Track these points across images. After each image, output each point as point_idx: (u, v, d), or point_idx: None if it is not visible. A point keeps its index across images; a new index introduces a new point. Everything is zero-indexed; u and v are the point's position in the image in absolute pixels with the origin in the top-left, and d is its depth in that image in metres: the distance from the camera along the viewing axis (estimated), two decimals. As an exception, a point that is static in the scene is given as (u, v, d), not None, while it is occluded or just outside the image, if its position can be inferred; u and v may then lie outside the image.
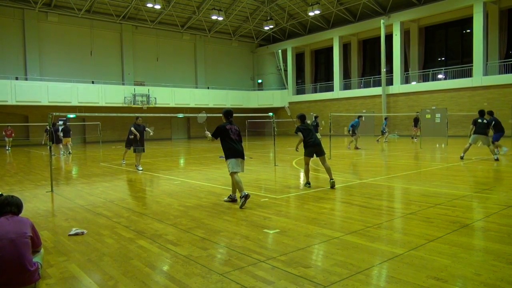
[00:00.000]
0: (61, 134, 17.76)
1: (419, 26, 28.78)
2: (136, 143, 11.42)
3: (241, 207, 5.86)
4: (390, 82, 29.34)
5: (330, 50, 33.69)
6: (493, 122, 12.06)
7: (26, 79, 27.07)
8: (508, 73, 23.80)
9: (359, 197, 6.54)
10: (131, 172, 11.04)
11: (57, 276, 3.38)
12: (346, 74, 33.55)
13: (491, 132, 12.00)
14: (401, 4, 28.34)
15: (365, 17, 30.80)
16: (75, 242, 4.36)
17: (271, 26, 33.91)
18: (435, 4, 26.13)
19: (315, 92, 35.50)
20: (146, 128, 11.75)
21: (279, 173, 10.10)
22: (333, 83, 33.13)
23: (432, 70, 27.74)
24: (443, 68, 27.50)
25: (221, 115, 6.53)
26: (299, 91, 37.15)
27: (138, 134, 11.32)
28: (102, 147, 22.18)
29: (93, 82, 29.40)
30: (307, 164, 7.72)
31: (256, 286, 3.05)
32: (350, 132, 17.29)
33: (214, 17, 31.37)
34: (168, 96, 31.88)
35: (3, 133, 22.33)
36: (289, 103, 36.61)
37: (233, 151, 6.22)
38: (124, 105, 29.58)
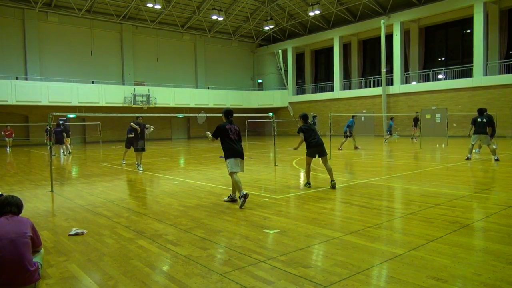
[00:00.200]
0: (65, 135, 17.80)
1: (419, 26, 28.78)
2: (136, 142, 11.40)
3: (240, 207, 5.86)
4: (390, 82, 29.34)
5: (330, 50, 33.69)
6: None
7: (26, 79, 27.07)
8: (508, 73, 23.79)
9: (359, 197, 6.54)
10: (131, 172, 11.04)
11: (57, 276, 3.39)
12: (346, 74, 33.55)
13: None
14: (401, 4, 28.34)
15: (365, 17, 30.80)
16: (75, 242, 4.36)
17: (271, 26, 33.90)
18: (435, 4, 26.13)
19: (315, 92, 35.49)
20: (146, 126, 11.70)
21: (279, 173, 10.10)
22: (333, 83, 33.13)
23: (432, 70, 27.73)
24: (443, 68, 27.50)
25: (221, 115, 6.54)
26: (299, 91, 37.16)
27: (138, 128, 11.30)
28: (102, 147, 22.19)
29: (93, 82, 29.40)
30: (308, 164, 7.70)
31: (256, 286, 3.05)
32: (348, 132, 17.02)
33: (214, 17, 31.36)
34: (168, 96, 31.88)
35: (2, 133, 22.32)
36: (289, 103, 36.56)
37: (232, 151, 6.22)
38: (124, 105, 29.58)
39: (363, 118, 30.95)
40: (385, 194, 6.96)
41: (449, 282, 3.05)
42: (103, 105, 28.84)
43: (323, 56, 36.78)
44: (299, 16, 34.11)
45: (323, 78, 36.73)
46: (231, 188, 6.52)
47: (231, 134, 6.25)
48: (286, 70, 37.29)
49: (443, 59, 28.75)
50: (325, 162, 7.61)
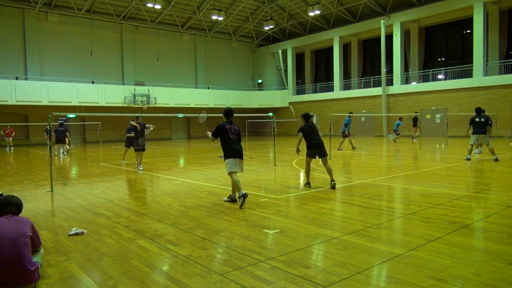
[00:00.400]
0: (68, 134, 17.78)
1: (419, 26, 28.79)
2: (136, 142, 11.40)
3: (240, 207, 5.86)
4: (390, 82, 29.34)
5: (330, 50, 33.69)
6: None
7: (26, 79, 27.07)
8: (508, 73, 23.80)
9: (359, 197, 6.54)
10: (131, 172, 11.04)
11: (57, 276, 3.38)
12: (346, 74, 33.55)
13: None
14: (401, 4, 28.34)
15: (365, 17, 30.80)
16: (75, 242, 4.36)
17: (271, 26, 33.90)
18: (435, 4, 26.13)
19: (315, 92, 35.50)
20: (146, 125, 11.70)
21: (279, 173, 10.10)
22: (333, 83, 33.13)
23: (432, 71, 27.74)
24: (443, 68, 27.50)
25: (221, 115, 6.54)
26: (299, 91, 37.16)
27: (139, 126, 11.29)
28: (102, 147, 22.19)
29: (93, 82, 29.40)
30: (308, 165, 7.70)
31: (256, 286, 3.05)
32: (346, 132, 16.96)
33: (214, 17, 31.37)
34: (168, 96, 31.88)
35: (1, 132, 22.32)
36: (289, 103, 36.56)
37: (231, 151, 6.23)
38: (124, 105, 29.59)
39: (363, 118, 30.95)
40: (385, 194, 6.96)
41: (449, 282, 3.05)
42: (103, 105, 28.84)
43: (323, 56, 36.78)
44: (299, 16, 34.11)
45: (323, 78, 36.73)
46: (231, 188, 6.52)
47: (230, 134, 6.25)
48: (286, 70, 37.30)
49: (443, 59, 28.76)
50: (325, 163, 7.61)
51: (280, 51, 37.45)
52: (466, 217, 5.11)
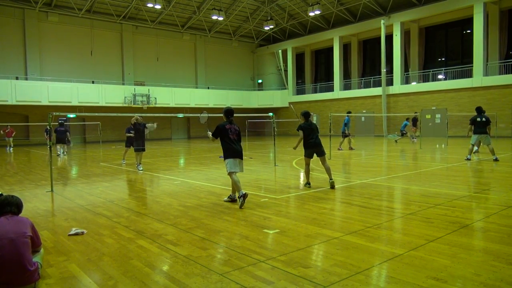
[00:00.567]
0: (68, 134, 17.81)
1: (419, 26, 28.79)
2: (136, 142, 11.38)
3: (240, 207, 5.86)
4: (390, 82, 29.34)
5: (330, 50, 33.70)
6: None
7: (26, 79, 27.08)
8: (508, 73, 23.80)
9: (359, 197, 6.54)
10: (131, 172, 11.04)
11: (57, 276, 3.39)
12: (346, 74, 33.56)
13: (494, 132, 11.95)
14: (401, 4, 28.34)
15: (365, 17, 30.81)
16: (75, 242, 4.36)
17: (271, 26, 33.91)
18: (435, 4, 26.13)
19: (315, 92, 35.50)
20: (147, 125, 11.65)
21: (279, 173, 10.10)
22: (333, 83, 33.13)
23: (432, 71, 27.74)
24: (443, 68, 27.50)
25: (221, 115, 6.53)
26: (299, 91, 37.16)
27: (140, 119, 11.25)
28: (102, 147, 22.19)
29: (93, 82, 29.41)
30: (307, 164, 7.72)
31: (256, 286, 3.05)
32: (347, 131, 16.95)
33: (214, 17, 31.37)
34: (168, 96, 31.89)
35: (1, 132, 22.31)
36: (289, 103, 36.58)
37: (231, 151, 6.23)
38: (124, 105, 29.60)
39: (363, 119, 30.96)
40: (385, 194, 6.96)
41: (449, 282, 3.05)
42: (103, 105, 28.85)
43: (323, 56, 36.78)
44: (299, 16, 34.10)
45: (323, 78, 36.74)
46: (231, 188, 6.52)
47: (230, 134, 6.25)
48: (286, 70, 37.30)
49: (443, 59, 28.76)
50: (323, 162, 7.62)
51: (280, 51, 37.45)
52: (466, 217, 5.11)
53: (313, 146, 7.51)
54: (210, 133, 6.45)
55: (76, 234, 4.65)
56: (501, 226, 4.60)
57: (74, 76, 29.05)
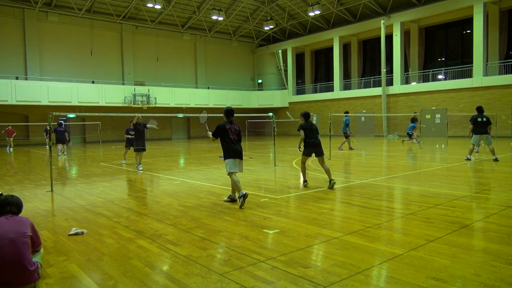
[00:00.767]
0: (67, 135, 17.82)
1: (419, 26, 28.79)
2: (137, 142, 11.37)
3: (240, 207, 5.86)
4: (390, 82, 29.34)
5: (330, 50, 33.69)
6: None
7: (26, 79, 27.08)
8: (508, 73, 23.80)
9: (358, 198, 6.54)
10: (131, 172, 11.03)
11: (57, 275, 3.39)
12: (346, 74, 33.56)
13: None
14: (401, 4, 28.34)
15: (365, 17, 30.81)
16: (75, 242, 4.36)
17: (271, 26, 33.91)
18: (435, 4, 26.14)
19: (315, 92, 35.50)
20: (147, 125, 11.63)
21: (279, 173, 10.11)
22: (333, 83, 33.13)
23: (432, 71, 27.74)
24: (443, 68, 27.50)
25: (221, 115, 6.53)
26: (299, 91, 37.16)
27: (141, 119, 11.25)
28: (102, 147, 22.19)
29: (93, 82, 29.41)
30: (303, 162, 7.75)
31: (255, 286, 3.06)
32: (348, 131, 16.94)
33: (214, 17, 31.38)
34: (168, 96, 31.89)
35: (2, 131, 22.31)
36: (289, 103, 36.64)
37: (231, 152, 6.22)
38: (124, 105, 29.60)
39: (363, 119, 30.96)
40: (384, 194, 6.96)
41: (449, 282, 3.05)
42: (103, 105, 28.85)
43: (323, 56, 36.78)
44: (299, 16, 34.11)
45: (323, 78, 36.74)
46: (230, 188, 6.52)
47: (230, 134, 6.25)
48: (286, 70, 37.30)
49: (443, 59, 28.76)
50: (322, 162, 7.62)
51: (280, 51, 37.45)
52: (466, 217, 5.11)
53: (312, 145, 7.52)
54: (210, 133, 6.45)
55: (76, 234, 4.65)
56: (501, 226, 4.60)
57: (74, 76, 29.05)
